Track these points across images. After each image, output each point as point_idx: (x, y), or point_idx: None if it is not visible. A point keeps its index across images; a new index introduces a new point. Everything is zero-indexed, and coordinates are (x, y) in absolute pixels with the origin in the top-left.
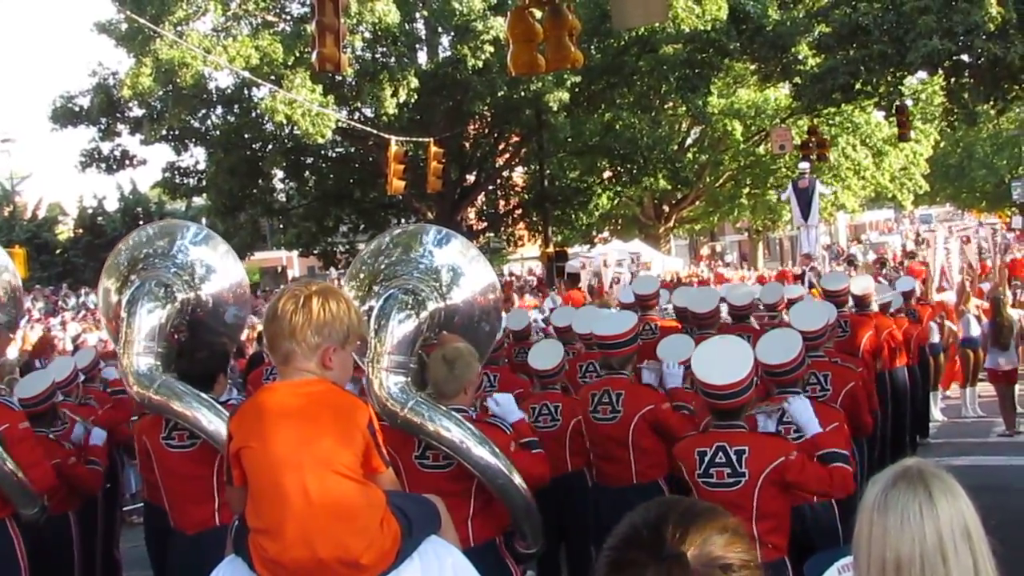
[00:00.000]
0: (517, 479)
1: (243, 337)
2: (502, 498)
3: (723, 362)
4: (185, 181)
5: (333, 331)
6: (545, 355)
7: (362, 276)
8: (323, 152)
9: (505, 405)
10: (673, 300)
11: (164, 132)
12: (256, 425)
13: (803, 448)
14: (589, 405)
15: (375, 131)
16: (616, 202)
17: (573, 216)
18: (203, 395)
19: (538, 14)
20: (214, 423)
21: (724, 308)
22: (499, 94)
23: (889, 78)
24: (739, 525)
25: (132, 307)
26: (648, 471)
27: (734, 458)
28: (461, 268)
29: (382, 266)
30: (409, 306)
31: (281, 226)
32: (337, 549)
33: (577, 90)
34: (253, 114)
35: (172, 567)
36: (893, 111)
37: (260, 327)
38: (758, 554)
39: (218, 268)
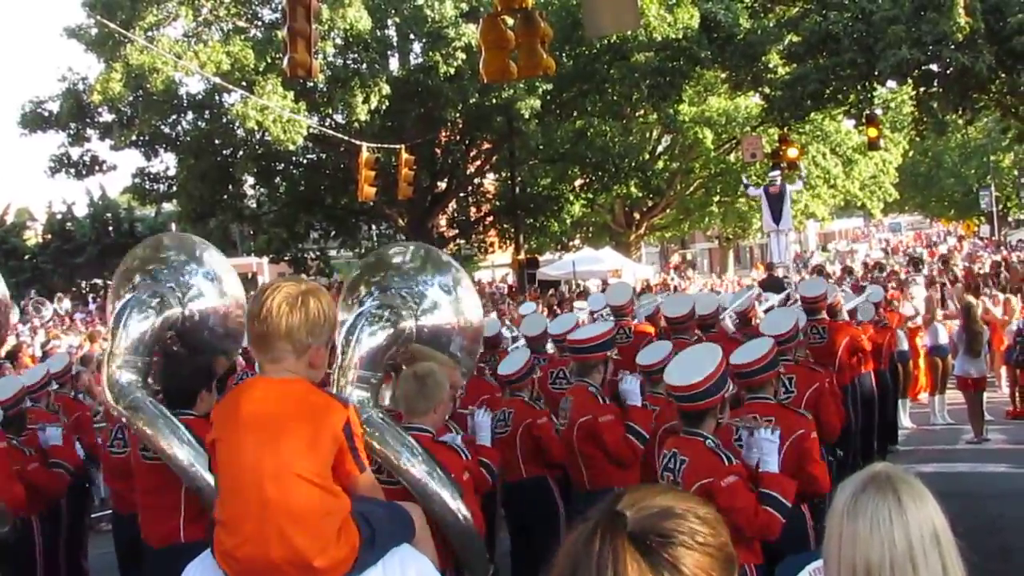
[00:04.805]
0: (462, 509)
1: None
2: (441, 524)
3: (689, 365)
4: (155, 187)
5: (323, 331)
6: (511, 362)
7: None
8: (294, 158)
9: (481, 425)
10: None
11: (134, 138)
12: (230, 419)
13: (745, 475)
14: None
15: (346, 137)
16: (588, 210)
17: (545, 223)
18: (174, 419)
19: (510, 21)
20: (176, 448)
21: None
22: (471, 101)
23: (859, 87)
24: (712, 514)
25: (119, 318)
26: (598, 478)
27: (677, 467)
28: (446, 299)
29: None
30: (383, 320)
31: (251, 232)
32: (288, 551)
33: (549, 97)
34: (224, 120)
35: None
36: (863, 120)
37: None
38: (722, 541)
39: (213, 289)
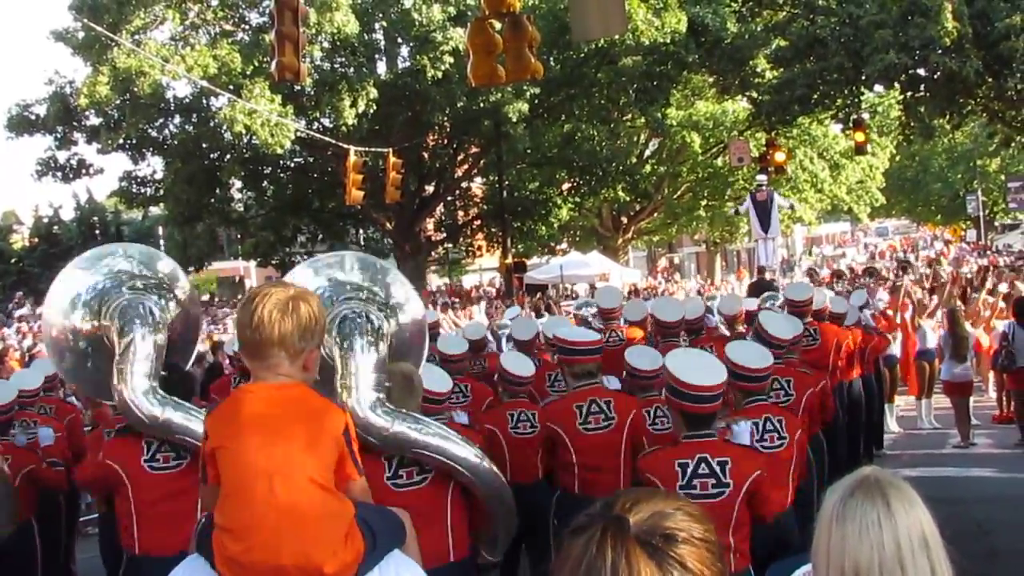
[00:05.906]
0: (502, 476)
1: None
2: (491, 502)
3: (701, 367)
4: (142, 190)
5: (316, 335)
6: (521, 363)
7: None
8: (281, 162)
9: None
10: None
11: (121, 141)
12: (232, 426)
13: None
14: (578, 417)
15: (334, 141)
16: (575, 213)
17: (532, 227)
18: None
19: (498, 25)
20: None
21: None
22: (458, 105)
23: (846, 92)
24: (701, 511)
25: (129, 327)
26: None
27: (717, 468)
28: (400, 293)
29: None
30: (370, 330)
31: (239, 236)
32: (299, 557)
33: (536, 101)
34: (211, 123)
35: None
36: (850, 124)
37: (215, 336)
38: (715, 537)
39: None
